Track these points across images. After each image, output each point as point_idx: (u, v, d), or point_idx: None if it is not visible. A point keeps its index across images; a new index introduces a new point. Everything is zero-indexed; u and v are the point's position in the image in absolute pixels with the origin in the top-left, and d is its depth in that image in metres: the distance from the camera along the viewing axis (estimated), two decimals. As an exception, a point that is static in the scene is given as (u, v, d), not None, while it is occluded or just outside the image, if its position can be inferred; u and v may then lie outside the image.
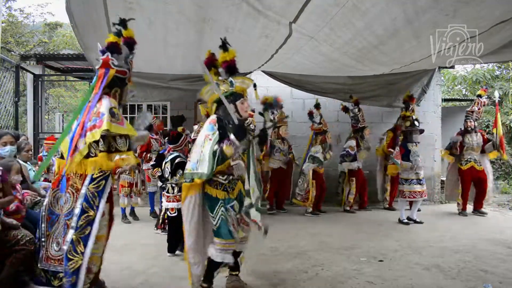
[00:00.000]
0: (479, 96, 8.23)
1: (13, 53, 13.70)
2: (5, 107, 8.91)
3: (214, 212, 3.56)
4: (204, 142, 3.43)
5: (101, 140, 3.32)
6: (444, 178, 9.03)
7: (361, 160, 8.39)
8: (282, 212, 8.28)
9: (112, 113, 3.35)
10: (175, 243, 5.15)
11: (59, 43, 19.41)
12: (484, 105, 8.35)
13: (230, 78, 3.63)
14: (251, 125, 6.88)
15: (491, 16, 4.62)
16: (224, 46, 3.65)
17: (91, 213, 3.28)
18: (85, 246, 3.22)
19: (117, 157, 3.38)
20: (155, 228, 6.33)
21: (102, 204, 3.33)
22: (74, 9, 4.61)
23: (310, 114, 8.12)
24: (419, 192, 7.09)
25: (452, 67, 11.77)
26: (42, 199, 5.27)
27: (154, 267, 4.70)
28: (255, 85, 3.83)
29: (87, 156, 3.34)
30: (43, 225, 3.52)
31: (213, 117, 3.56)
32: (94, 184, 3.31)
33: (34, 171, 6.01)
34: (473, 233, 6.44)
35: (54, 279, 3.38)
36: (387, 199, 8.65)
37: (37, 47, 18.15)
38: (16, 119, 9.29)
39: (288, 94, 9.06)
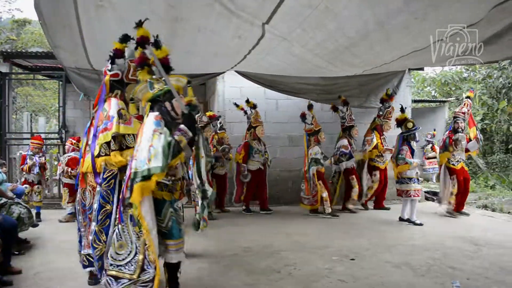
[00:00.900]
0: (468, 97, 8.26)
1: (-22, 50, 13.28)
2: (-30, 106, 8.65)
3: (162, 215, 3.42)
4: (152, 137, 3.21)
5: (112, 140, 3.79)
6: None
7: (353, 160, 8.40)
8: (268, 212, 8.18)
9: (120, 115, 3.81)
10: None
11: (28, 40, 18.98)
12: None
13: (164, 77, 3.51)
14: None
15: (460, 19, 4.74)
16: (157, 43, 3.54)
17: (108, 207, 3.75)
18: (106, 235, 3.72)
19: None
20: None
21: (116, 199, 3.74)
22: (43, 6, 4.48)
23: (303, 116, 8.08)
24: (419, 190, 7.26)
25: (422, 69, 12.08)
26: (8, 201, 5.14)
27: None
28: (189, 82, 3.80)
29: (98, 155, 3.79)
30: (80, 217, 4.15)
31: (156, 113, 3.37)
32: (105, 184, 3.76)
33: (1, 172, 5.86)
34: (442, 231, 6.59)
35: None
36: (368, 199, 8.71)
37: (4, 45, 17.68)
38: (-18, 118, 9.04)
39: (262, 94, 9.06)
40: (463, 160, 8.00)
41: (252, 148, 8.05)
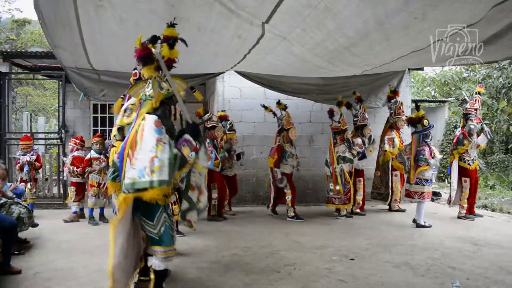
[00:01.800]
0: (478, 93, 8.02)
1: (-22, 50, 13.27)
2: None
3: (155, 220, 3.28)
4: (156, 147, 3.03)
5: (117, 132, 4.89)
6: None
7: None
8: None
9: (125, 110, 4.51)
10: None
11: (27, 40, 18.99)
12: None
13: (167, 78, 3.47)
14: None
15: (460, 19, 4.74)
16: (173, 44, 3.42)
17: None
18: None
19: None
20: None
21: None
22: (42, 6, 4.49)
23: (331, 113, 7.79)
24: (430, 193, 7.14)
25: (421, 69, 12.08)
26: (8, 201, 5.14)
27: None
28: (192, 88, 3.78)
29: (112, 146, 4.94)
30: None
31: (155, 118, 3.23)
32: None
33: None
34: (441, 231, 6.59)
35: None
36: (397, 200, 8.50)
37: (4, 45, 17.68)
38: (-18, 118, 9.03)
39: (261, 94, 9.06)
40: (477, 158, 7.82)
41: (285, 152, 7.66)
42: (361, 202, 8.15)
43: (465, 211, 7.72)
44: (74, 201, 7.31)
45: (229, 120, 8.28)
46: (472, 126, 7.56)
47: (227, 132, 8.12)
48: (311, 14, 4.55)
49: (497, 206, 8.97)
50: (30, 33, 19.40)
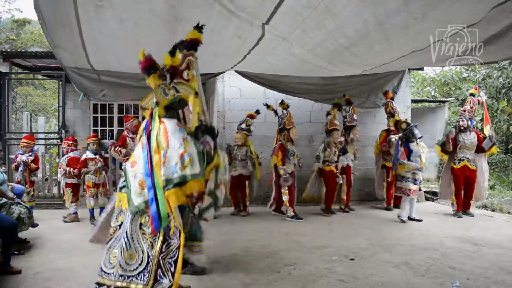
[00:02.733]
0: (472, 95, 8.18)
1: (-22, 50, 13.27)
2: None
3: (184, 219, 3.43)
4: (184, 144, 3.18)
5: None
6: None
7: (351, 156, 8.47)
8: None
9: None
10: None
11: (27, 40, 19.00)
12: (478, 104, 8.25)
13: (173, 84, 3.52)
14: None
15: (460, 19, 4.74)
16: (174, 51, 3.56)
17: None
18: None
19: None
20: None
21: None
22: (42, 6, 4.49)
23: (328, 115, 8.18)
24: (413, 190, 7.32)
25: (421, 69, 12.09)
26: (8, 201, 5.15)
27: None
28: (196, 93, 3.81)
29: None
30: None
31: (175, 120, 3.40)
32: None
33: (1, 172, 5.86)
34: (441, 231, 6.59)
35: None
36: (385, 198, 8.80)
37: (4, 45, 17.68)
38: (-18, 118, 9.04)
39: (262, 94, 9.06)
40: (466, 158, 7.93)
41: (287, 151, 7.76)
42: (345, 198, 8.44)
43: (456, 209, 8.00)
44: (71, 202, 7.31)
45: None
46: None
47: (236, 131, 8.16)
48: (311, 15, 4.56)
49: (497, 206, 8.97)
50: (30, 33, 19.41)
